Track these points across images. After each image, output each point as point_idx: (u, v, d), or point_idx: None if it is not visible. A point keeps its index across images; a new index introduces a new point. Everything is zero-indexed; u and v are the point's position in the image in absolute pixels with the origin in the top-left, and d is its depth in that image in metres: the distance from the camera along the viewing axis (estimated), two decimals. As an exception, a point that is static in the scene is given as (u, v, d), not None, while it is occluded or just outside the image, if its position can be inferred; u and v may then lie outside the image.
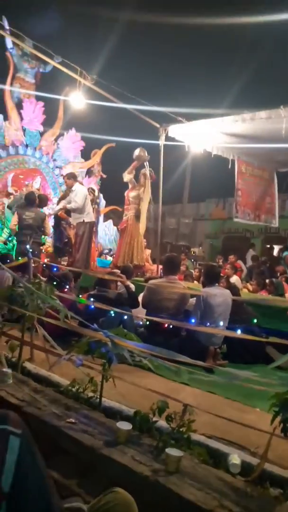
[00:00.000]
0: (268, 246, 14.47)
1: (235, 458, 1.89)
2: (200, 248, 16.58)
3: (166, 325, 3.90)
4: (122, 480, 1.67)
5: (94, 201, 8.91)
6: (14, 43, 8.88)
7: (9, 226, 8.02)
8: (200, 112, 7.90)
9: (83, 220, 7.45)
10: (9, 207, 8.40)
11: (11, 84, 9.26)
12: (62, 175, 10.27)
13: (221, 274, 6.89)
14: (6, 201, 9.06)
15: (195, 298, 4.34)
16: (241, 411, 2.85)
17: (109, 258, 10.07)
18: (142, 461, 1.70)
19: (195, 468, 1.70)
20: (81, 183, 8.26)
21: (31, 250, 5.05)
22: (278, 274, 9.31)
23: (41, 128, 9.83)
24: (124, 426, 1.90)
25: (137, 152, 7.86)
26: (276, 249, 13.75)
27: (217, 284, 4.35)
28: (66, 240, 8.33)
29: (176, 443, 1.92)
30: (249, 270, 10.73)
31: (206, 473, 1.67)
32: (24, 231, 7.18)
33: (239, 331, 3.74)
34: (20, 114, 9.41)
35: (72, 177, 7.78)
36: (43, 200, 8.20)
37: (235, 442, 2.16)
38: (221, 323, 4.04)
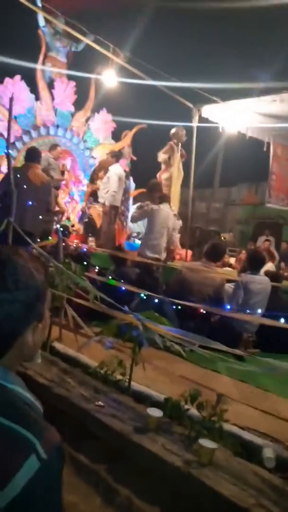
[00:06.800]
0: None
1: (270, 452, 1.79)
2: (231, 233, 16.20)
3: (198, 310, 3.78)
4: (153, 469, 1.60)
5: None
6: (46, 20, 8.75)
7: None
8: (237, 89, 7.53)
9: (104, 202, 7.28)
10: None
11: (43, 63, 9.16)
12: (92, 156, 10.18)
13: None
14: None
15: (230, 284, 4.20)
16: (273, 402, 2.74)
17: (138, 242, 9.98)
18: (174, 450, 1.62)
19: (229, 461, 1.61)
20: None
21: (61, 229, 5.00)
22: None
23: (72, 109, 9.73)
24: (155, 412, 1.83)
25: (174, 130, 7.59)
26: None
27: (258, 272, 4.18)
28: (86, 220, 8.25)
29: (208, 433, 1.84)
30: (283, 256, 10.42)
31: (241, 467, 1.58)
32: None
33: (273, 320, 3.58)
34: (51, 94, 9.33)
35: (115, 155, 7.51)
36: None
37: (269, 435, 2.06)
38: (259, 311, 3.89)
